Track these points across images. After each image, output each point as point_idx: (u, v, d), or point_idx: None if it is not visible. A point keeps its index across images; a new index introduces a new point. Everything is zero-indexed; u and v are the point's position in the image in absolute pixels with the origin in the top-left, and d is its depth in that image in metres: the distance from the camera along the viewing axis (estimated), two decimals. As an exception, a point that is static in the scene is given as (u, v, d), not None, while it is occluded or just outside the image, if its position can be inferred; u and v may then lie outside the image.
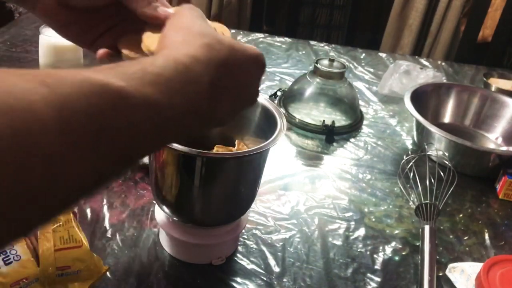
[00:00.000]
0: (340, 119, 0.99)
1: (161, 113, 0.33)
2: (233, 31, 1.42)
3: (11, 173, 0.23)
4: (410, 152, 0.92)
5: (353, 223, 0.74)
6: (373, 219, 0.76)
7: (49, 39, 0.87)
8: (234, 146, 0.62)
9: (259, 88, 0.45)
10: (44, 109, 0.25)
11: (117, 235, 0.65)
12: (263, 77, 0.45)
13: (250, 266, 0.64)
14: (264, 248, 0.67)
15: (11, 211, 0.24)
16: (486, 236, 0.76)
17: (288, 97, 1.02)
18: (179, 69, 0.35)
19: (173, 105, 0.34)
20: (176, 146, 0.50)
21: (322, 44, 1.40)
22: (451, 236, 0.75)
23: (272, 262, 0.65)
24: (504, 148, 0.97)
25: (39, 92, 0.25)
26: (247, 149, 0.60)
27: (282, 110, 0.98)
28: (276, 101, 1.02)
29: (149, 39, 0.44)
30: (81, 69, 0.30)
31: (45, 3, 0.47)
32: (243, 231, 0.67)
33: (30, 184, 0.24)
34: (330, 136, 0.94)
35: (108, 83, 0.29)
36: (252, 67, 0.42)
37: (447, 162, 0.82)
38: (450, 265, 0.67)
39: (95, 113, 0.28)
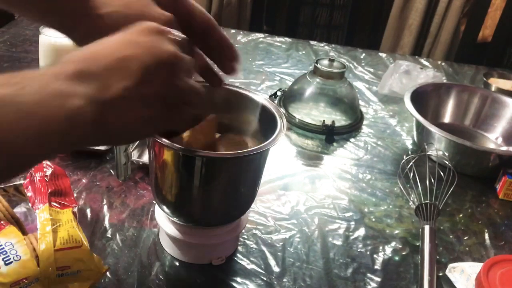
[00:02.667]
0: (340, 119, 0.99)
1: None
2: (233, 31, 1.42)
3: None
4: (410, 152, 0.92)
5: (353, 223, 0.74)
6: (373, 219, 0.76)
7: (49, 39, 0.87)
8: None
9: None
10: None
11: (117, 235, 0.65)
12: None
13: (250, 266, 0.64)
14: (264, 248, 0.67)
15: None
16: (486, 236, 0.76)
17: (288, 97, 1.02)
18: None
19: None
20: (176, 146, 0.50)
21: (322, 44, 1.40)
22: (451, 236, 0.75)
23: (272, 262, 0.65)
24: (504, 148, 0.97)
25: None
26: (247, 149, 0.60)
27: (282, 110, 0.98)
28: (276, 101, 1.02)
29: None
30: None
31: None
32: (243, 231, 0.67)
33: None
34: (330, 136, 0.94)
35: None
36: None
37: (447, 162, 0.82)
38: (450, 265, 0.67)
39: None
